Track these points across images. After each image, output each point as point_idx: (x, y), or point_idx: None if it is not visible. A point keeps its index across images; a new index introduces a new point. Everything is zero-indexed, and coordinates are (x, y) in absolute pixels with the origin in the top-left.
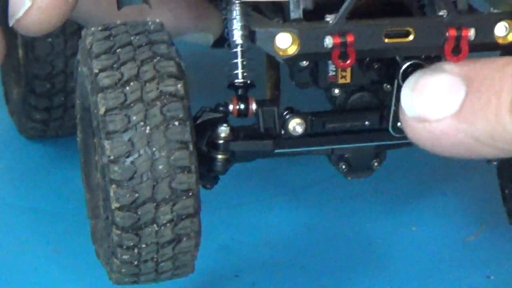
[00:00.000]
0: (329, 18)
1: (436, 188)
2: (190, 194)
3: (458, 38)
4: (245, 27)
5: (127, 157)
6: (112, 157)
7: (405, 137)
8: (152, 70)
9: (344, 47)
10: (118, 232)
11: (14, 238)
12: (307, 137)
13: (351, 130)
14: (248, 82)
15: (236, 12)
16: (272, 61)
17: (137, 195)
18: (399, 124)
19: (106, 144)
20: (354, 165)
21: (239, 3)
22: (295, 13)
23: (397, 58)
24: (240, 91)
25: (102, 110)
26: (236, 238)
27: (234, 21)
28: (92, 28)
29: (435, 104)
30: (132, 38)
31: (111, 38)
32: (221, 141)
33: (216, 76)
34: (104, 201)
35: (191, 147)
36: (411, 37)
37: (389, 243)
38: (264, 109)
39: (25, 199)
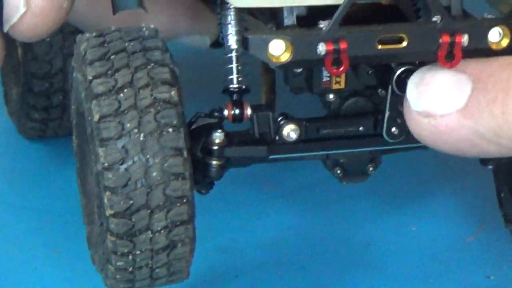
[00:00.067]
0: (323, 24)
1: (436, 188)
2: (185, 200)
3: (451, 44)
4: (240, 32)
5: (121, 164)
6: (106, 164)
7: (399, 142)
8: (146, 76)
9: (337, 54)
10: (113, 238)
11: (14, 238)
12: (302, 143)
13: (345, 136)
14: (243, 87)
15: (231, 17)
16: (267, 65)
17: (131, 202)
18: (393, 129)
19: (100, 151)
20: (349, 170)
21: (234, 8)
22: (289, 20)
23: (391, 64)
24: (235, 96)
25: (96, 117)
26: (236, 238)
27: (229, 26)
28: (87, 34)
29: (441, 99)
30: (126, 44)
31: (105, 45)
32: (215, 147)
33: (215, 76)
34: (99, 207)
35: (185, 153)
36: (404, 44)
37: (389, 243)
38: (259, 114)
39: (25, 199)
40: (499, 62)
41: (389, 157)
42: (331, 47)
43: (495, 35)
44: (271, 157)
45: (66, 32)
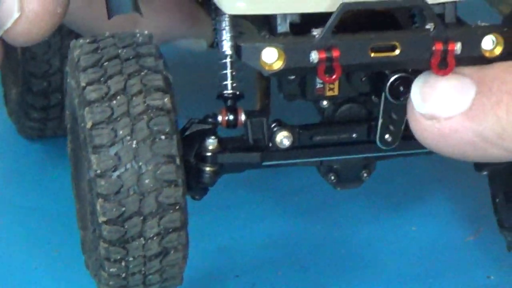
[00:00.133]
0: (316, 32)
1: (436, 188)
2: (177, 207)
3: (444, 52)
4: (234, 38)
5: (114, 171)
6: (98, 171)
7: (392, 149)
8: (139, 83)
9: (329, 62)
10: (105, 245)
11: (14, 238)
12: (295, 149)
13: (339, 143)
14: (237, 93)
15: (225, 23)
16: None
17: (123, 209)
18: (386, 136)
19: (93, 158)
20: (343, 176)
21: (229, 14)
22: (282, 27)
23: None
24: (229, 102)
25: (89, 124)
26: (236, 238)
27: (223, 31)
28: (80, 40)
29: (445, 101)
30: (119, 51)
31: (99, 51)
32: (209, 154)
33: (213, 77)
34: (91, 214)
35: (177, 161)
36: (397, 51)
37: (389, 243)
38: (253, 121)
39: (25, 199)
40: (503, 66)
41: None
42: (324, 55)
43: (488, 43)
44: (264, 163)
45: (65, 32)
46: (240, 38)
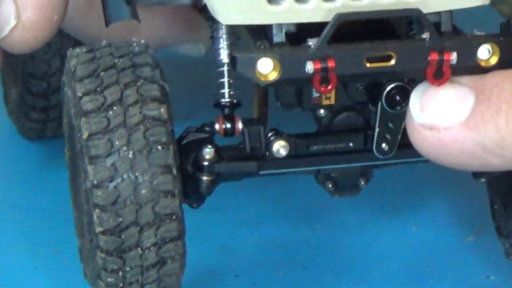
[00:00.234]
0: (311, 42)
1: (436, 189)
2: (174, 217)
3: (440, 62)
4: (231, 47)
5: (110, 181)
6: (95, 182)
7: (389, 158)
8: (135, 94)
9: (325, 72)
10: (103, 255)
11: (14, 238)
12: (292, 158)
13: (335, 152)
14: (235, 101)
15: (222, 31)
16: None
17: (120, 219)
18: (383, 145)
19: (89, 168)
20: (340, 184)
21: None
22: (278, 36)
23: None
24: (226, 111)
25: (85, 135)
26: (236, 238)
27: (221, 40)
28: (77, 50)
29: (444, 111)
30: (116, 60)
31: (95, 61)
32: (205, 163)
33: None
34: (88, 224)
35: (174, 171)
36: (393, 61)
37: (389, 243)
38: (250, 129)
39: (25, 199)
40: (502, 75)
41: None
42: (319, 65)
43: (484, 53)
44: (261, 172)
45: (64, 33)
46: (235, 48)
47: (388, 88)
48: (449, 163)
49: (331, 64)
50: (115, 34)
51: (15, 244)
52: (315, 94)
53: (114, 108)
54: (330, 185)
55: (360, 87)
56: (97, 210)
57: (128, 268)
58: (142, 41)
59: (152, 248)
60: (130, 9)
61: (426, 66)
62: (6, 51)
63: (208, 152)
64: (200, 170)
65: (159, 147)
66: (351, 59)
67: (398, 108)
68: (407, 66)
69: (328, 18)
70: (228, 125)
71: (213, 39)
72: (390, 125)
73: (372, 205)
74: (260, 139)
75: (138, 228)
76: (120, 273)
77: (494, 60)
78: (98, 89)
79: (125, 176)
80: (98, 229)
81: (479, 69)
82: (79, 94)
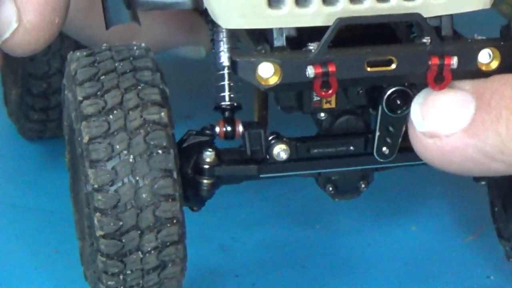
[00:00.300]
0: (312, 46)
1: (436, 188)
2: (175, 221)
3: (440, 66)
4: (232, 50)
5: (111, 185)
6: (96, 186)
7: (390, 161)
8: (135, 97)
9: (326, 77)
10: (103, 259)
11: (14, 238)
12: (292, 162)
13: (336, 155)
14: (235, 104)
15: (223, 34)
16: None
17: (121, 223)
18: (383, 149)
19: (90, 172)
20: (341, 187)
21: None
22: (278, 41)
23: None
24: (227, 114)
25: (85, 139)
26: (236, 238)
27: (221, 43)
28: (77, 53)
29: (445, 119)
30: (116, 64)
31: (96, 64)
32: (206, 166)
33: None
34: (89, 228)
35: (174, 175)
36: (393, 66)
37: (389, 243)
38: (251, 132)
39: (25, 199)
40: (502, 80)
41: None
42: (320, 70)
43: (485, 57)
44: (262, 175)
45: (64, 34)
46: (236, 52)
47: (389, 92)
48: (452, 169)
49: (331, 68)
50: (115, 37)
51: (15, 244)
52: (316, 98)
53: (115, 112)
54: (330, 188)
55: (361, 91)
56: (97, 214)
57: (128, 272)
58: (143, 44)
59: (152, 251)
60: (130, 12)
61: (426, 71)
62: (6, 52)
63: (208, 156)
64: (200, 173)
65: (160, 151)
66: (351, 64)
67: (399, 111)
68: (408, 70)
69: (329, 22)
70: (229, 128)
71: (214, 42)
72: (391, 128)
73: (372, 205)
74: (260, 142)
75: (139, 232)
76: (121, 277)
77: (494, 65)
78: (98, 93)
79: (125, 180)
80: (99, 233)
81: (479, 74)
82: (80, 98)
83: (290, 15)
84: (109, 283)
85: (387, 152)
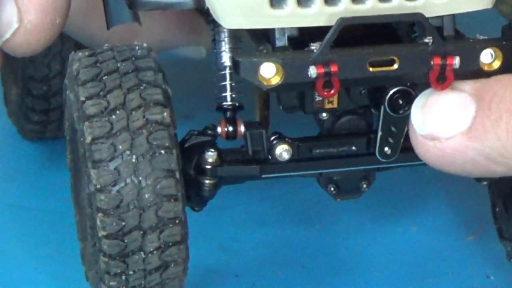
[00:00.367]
0: (314, 46)
1: (436, 188)
2: (177, 221)
3: (443, 66)
4: (233, 50)
5: (114, 186)
6: (98, 186)
7: (392, 161)
8: (138, 98)
9: (328, 77)
10: (105, 259)
11: (14, 238)
12: (294, 162)
13: (338, 155)
14: (237, 104)
15: (224, 34)
16: None
17: (123, 223)
18: (386, 149)
19: (92, 173)
20: (342, 188)
21: None
22: (280, 41)
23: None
24: (228, 114)
25: (88, 139)
26: (236, 238)
27: (223, 43)
28: (79, 53)
29: (445, 121)
30: (118, 64)
31: (98, 65)
32: (208, 166)
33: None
34: (91, 228)
35: (177, 175)
36: (395, 66)
37: (389, 243)
38: (252, 132)
39: (25, 199)
40: (502, 81)
41: None
42: (322, 70)
43: (487, 57)
44: (264, 176)
45: (65, 35)
46: (238, 52)
47: (391, 92)
48: (453, 171)
49: (334, 68)
50: (116, 37)
51: (15, 244)
52: (318, 98)
53: (117, 112)
54: (332, 189)
55: (363, 91)
56: (100, 214)
57: (131, 272)
58: (145, 44)
59: (155, 252)
60: (131, 12)
61: (429, 71)
62: (5, 53)
63: (210, 156)
64: (202, 173)
65: (162, 151)
66: (354, 64)
67: (401, 112)
68: (410, 70)
69: (331, 22)
70: (230, 128)
71: (215, 42)
72: (393, 129)
73: (372, 205)
74: (262, 142)
75: (141, 232)
76: (123, 277)
77: (496, 64)
78: (101, 93)
79: (128, 180)
80: (101, 233)
81: (482, 73)
82: (82, 98)
83: (292, 15)
84: (111, 283)
85: (389, 152)
